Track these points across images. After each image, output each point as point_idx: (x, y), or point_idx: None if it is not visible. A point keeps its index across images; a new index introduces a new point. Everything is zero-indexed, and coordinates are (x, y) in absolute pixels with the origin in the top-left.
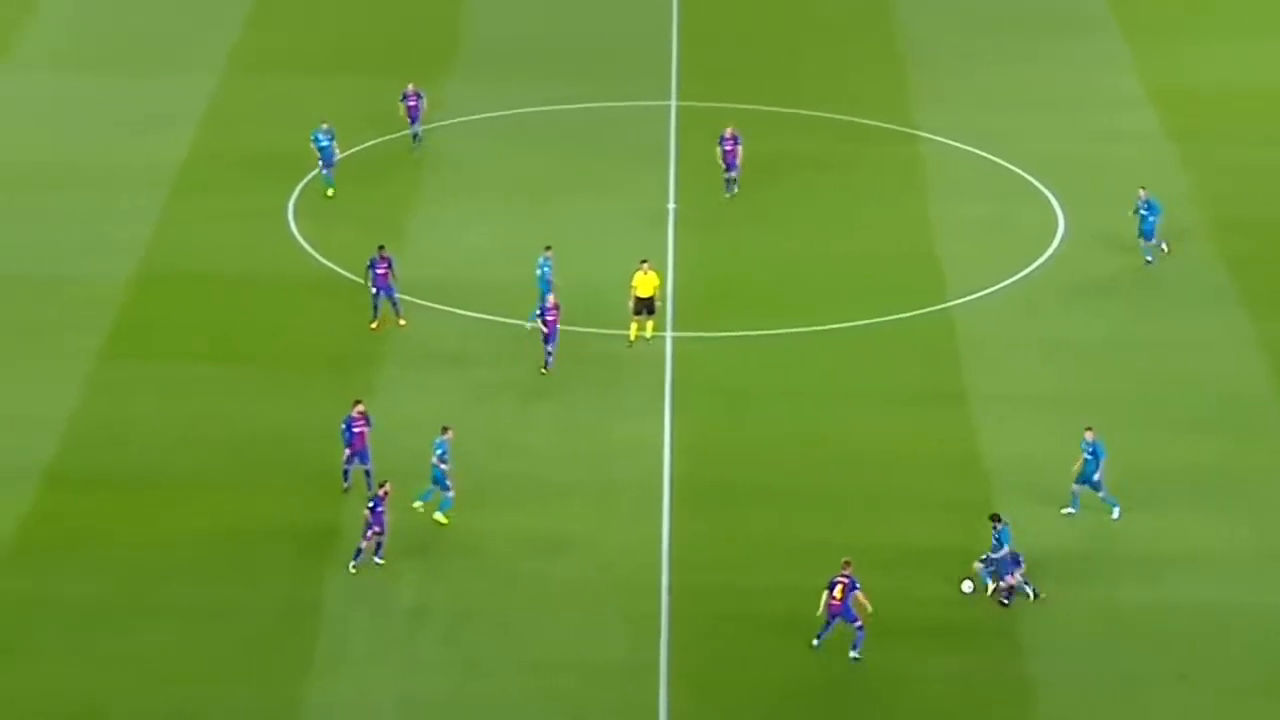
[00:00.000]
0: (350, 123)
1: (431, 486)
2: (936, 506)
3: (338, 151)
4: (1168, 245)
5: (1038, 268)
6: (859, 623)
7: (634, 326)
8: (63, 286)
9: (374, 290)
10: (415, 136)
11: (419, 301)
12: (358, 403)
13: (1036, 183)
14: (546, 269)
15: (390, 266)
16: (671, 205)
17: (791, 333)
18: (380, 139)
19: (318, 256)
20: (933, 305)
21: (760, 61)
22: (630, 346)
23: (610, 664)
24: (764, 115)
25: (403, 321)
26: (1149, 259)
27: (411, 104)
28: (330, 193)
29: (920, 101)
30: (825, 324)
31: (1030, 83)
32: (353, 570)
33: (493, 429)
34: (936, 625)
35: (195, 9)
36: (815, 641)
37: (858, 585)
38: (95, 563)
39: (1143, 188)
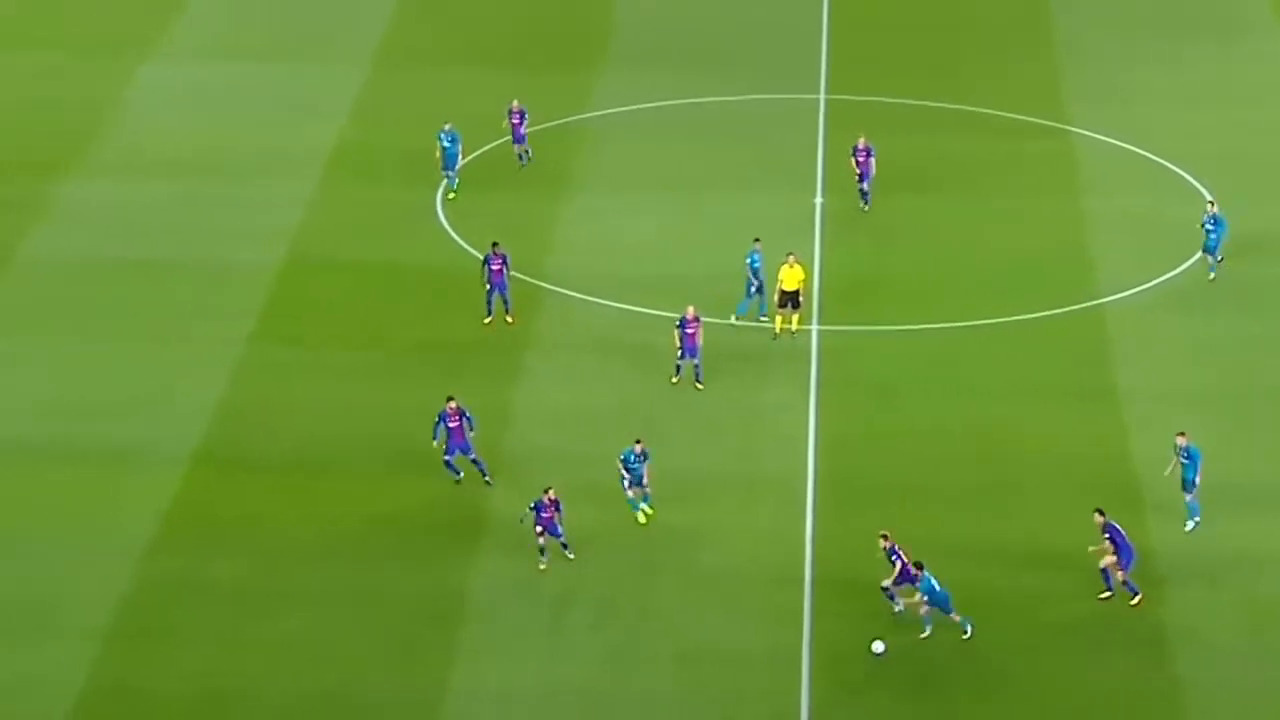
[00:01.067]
0: (501, 116)
1: (638, 501)
2: (1084, 506)
3: (460, 155)
4: (1220, 262)
5: (1192, 265)
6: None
7: (779, 320)
8: (216, 272)
9: (488, 287)
10: (520, 156)
11: (565, 292)
12: (451, 399)
13: (1191, 179)
14: (756, 261)
15: (505, 263)
16: (819, 200)
17: (940, 328)
18: (530, 131)
19: (466, 247)
20: (1085, 302)
21: (911, 56)
22: (775, 340)
23: (753, 655)
24: (915, 110)
25: (510, 319)
26: (1212, 274)
27: (515, 121)
28: (452, 195)
29: (1074, 97)
30: (975, 319)
31: (1186, 79)
32: (542, 568)
33: (637, 421)
34: (1082, 624)
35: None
36: (897, 609)
37: (899, 549)
38: (242, 546)
39: (1211, 202)
